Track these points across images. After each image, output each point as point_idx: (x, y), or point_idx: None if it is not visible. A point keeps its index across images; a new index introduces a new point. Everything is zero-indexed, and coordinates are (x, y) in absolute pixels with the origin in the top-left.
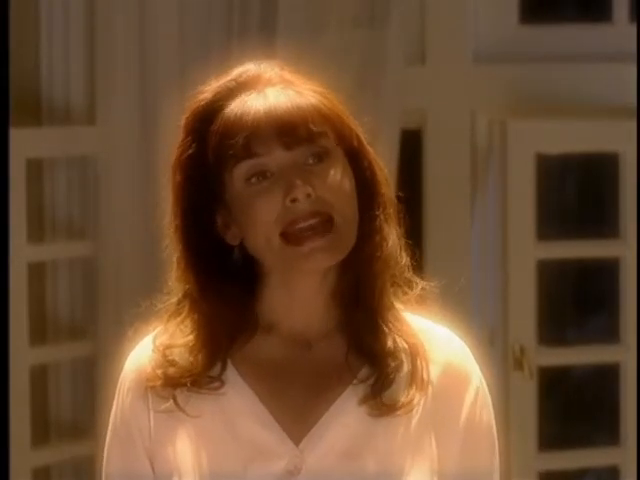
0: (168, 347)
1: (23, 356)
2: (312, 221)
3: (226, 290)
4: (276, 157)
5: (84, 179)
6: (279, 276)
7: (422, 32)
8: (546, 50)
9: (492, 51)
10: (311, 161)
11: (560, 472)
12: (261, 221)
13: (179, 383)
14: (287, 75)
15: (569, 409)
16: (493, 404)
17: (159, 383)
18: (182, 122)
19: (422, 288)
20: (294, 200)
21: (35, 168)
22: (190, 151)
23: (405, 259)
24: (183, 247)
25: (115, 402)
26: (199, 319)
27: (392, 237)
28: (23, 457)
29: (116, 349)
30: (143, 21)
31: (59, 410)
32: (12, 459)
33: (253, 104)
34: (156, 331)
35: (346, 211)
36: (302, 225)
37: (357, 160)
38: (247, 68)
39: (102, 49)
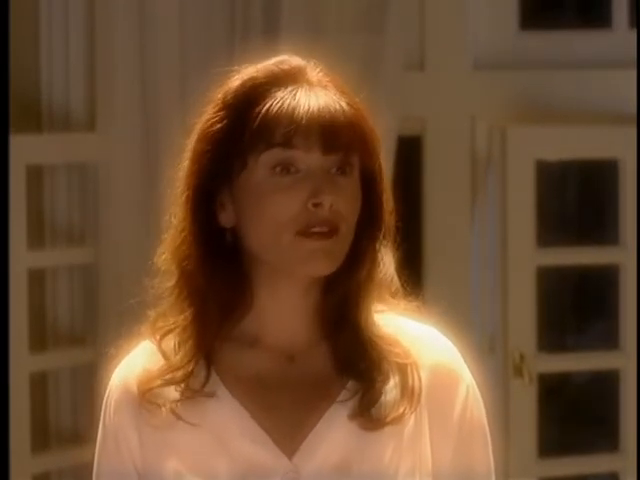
0: (164, 335)
1: (23, 363)
2: (324, 228)
3: (221, 267)
4: (310, 156)
5: (84, 185)
6: (267, 279)
7: (422, 38)
8: (546, 57)
9: (492, 58)
10: (334, 171)
11: (560, 478)
12: (277, 215)
13: (170, 380)
14: (325, 80)
15: (569, 415)
16: (493, 410)
17: (154, 385)
18: (218, 95)
19: (411, 303)
20: (317, 205)
21: (35, 174)
22: (220, 125)
23: (397, 286)
24: (191, 218)
25: (102, 417)
26: (192, 296)
27: (386, 264)
28: (23, 463)
29: (116, 356)
30: (144, 28)
31: (59, 417)
32: (12, 465)
33: (305, 99)
34: (145, 340)
35: (350, 226)
36: (314, 230)
37: (371, 184)
38: (287, 58)
39: (102, 55)
